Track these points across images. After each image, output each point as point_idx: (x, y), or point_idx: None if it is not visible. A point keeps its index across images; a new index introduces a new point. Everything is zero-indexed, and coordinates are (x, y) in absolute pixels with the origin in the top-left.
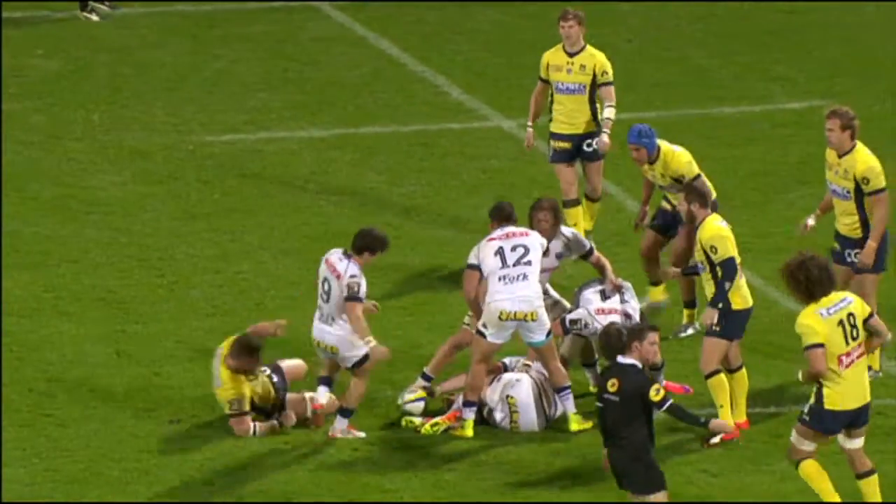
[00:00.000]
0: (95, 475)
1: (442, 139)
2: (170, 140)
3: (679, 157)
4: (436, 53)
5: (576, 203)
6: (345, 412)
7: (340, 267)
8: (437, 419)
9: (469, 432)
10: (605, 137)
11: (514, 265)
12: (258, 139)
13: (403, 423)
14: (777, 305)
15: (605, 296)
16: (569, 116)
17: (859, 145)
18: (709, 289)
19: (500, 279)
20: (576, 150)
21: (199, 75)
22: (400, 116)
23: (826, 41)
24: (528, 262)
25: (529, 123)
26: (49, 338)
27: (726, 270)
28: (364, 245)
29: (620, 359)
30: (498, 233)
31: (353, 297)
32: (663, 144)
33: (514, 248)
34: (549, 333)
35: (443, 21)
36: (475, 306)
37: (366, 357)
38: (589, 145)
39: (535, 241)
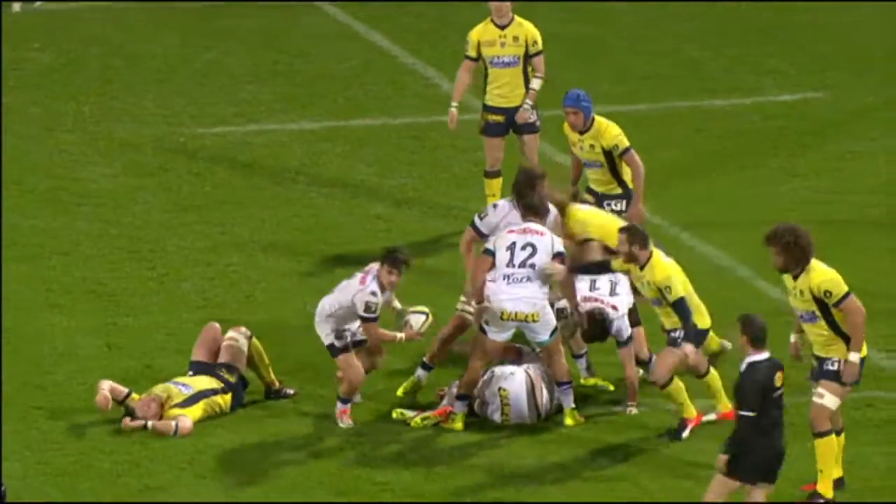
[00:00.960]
0: (86, 467)
1: (432, 132)
2: (160, 132)
3: (611, 129)
4: (426, 46)
5: (497, 174)
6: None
7: (368, 278)
8: (428, 413)
9: (459, 426)
10: (526, 109)
11: (519, 265)
12: (248, 131)
13: (394, 415)
14: (766, 297)
15: (594, 285)
16: (505, 90)
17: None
18: (667, 322)
19: (504, 277)
20: (508, 124)
21: (190, 67)
22: (390, 109)
23: (818, 34)
24: (533, 266)
25: (454, 103)
26: (41, 330)
27: (683, 310)
28: (382, 256)
29: (766, 354)
30: (518, 226)
31: (368, 318)
32: (596, 116)
33: (524, 247)
34: (553, 332)
35: (433, 13)
36: (478, 289)
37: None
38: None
39: (547, 242)
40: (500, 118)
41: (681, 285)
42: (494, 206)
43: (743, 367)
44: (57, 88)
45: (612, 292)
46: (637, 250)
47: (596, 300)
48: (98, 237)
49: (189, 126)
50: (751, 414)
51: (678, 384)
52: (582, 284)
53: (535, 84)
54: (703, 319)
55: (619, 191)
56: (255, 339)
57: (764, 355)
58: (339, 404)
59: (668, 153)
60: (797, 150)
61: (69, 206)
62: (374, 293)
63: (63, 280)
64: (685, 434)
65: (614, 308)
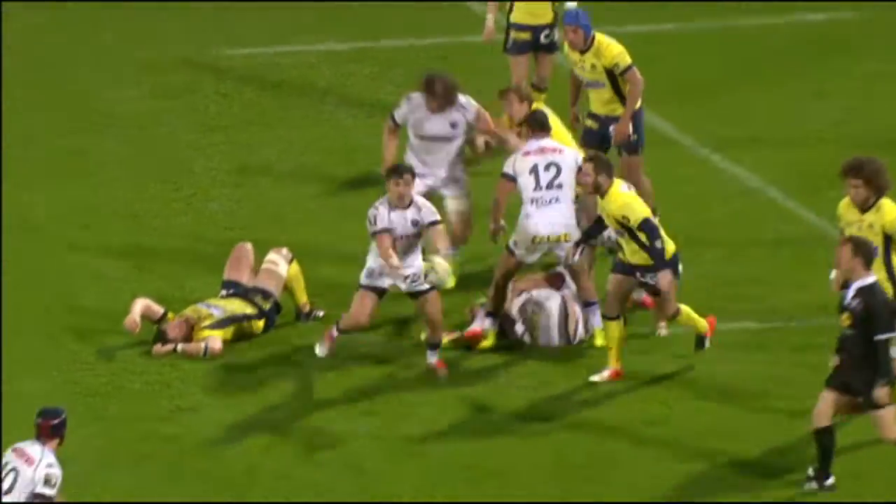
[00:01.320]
0: (117, 388)
1: (460, 52)
2: (188, 53)
3: (612, 47)
4: None
5: None
6: (432, 346)
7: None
8: (457, 334)
9: (489, 343)
10: None
11: (546, 187)
12: (277, 52)
13: (423, 336)
14: (797, 218)
15: None
16: (532, 6)
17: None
18: (630, 253)
19: (532, 202)
20: (534, 42)
21: None
22: (418, 29)
23: None
24: (560, 185)
25: (490, 15)
26: (68, 252)
27: (648, 232)
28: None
29: (873, 276)
30: (533, 146)
31: (371, 231)
32: (597, 34)
33: (547, 167)
34: (581, 252)
35: None
36: (498, 212)
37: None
38: (547, 36)
39: (570, 158)
40: (526, 35)
41: (640, 209)
42: (408, 98)
43: (853, 291)
44: (81, 10)
45: None
46: (603, 179)
47: None
48: (125, 158)
49: (217, 47)
50: (892, 335)
51: (686, 309)
52: None
53: (573, 4)
54: (668, 247)
55: (621, 111)
56: (294, 262)
57: (873, 277)
58: (333, 329)
59: (696, 73)
60: (827, 71)
61: (96, 126)
62: (375, 207)
63: (90, 202)
64: (707, 344)
65: None
